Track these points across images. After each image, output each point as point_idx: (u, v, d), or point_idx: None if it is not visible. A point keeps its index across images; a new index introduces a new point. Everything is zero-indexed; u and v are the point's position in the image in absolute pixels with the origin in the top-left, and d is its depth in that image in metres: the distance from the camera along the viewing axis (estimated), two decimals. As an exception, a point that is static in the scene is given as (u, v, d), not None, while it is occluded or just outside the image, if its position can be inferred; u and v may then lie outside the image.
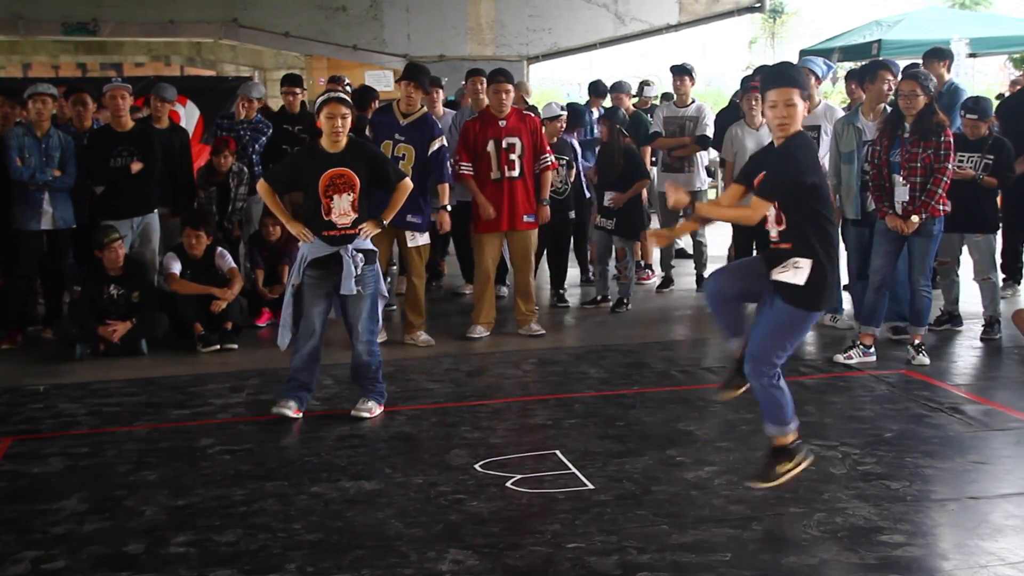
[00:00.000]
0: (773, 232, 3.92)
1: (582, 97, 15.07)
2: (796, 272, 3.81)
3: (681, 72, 8.33)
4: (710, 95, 9.75)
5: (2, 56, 17.74)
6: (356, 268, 5.03)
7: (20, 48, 17.14)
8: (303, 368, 5.21)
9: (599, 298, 7.91)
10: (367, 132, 6.81)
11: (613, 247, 7.78)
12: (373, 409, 5.20)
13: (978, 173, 6.49)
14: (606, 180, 7.63)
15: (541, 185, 6.97)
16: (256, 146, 8.18)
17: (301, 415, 5.18)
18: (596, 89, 9.93)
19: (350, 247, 5.05)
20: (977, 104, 6.67)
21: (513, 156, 6.77)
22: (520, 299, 7.08)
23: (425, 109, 6.72)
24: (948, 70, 7.69)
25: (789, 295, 3.84)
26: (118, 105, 6.96)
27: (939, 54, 7.69)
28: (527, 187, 6.87)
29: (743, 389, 4.11)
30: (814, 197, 3.81)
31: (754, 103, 7.62)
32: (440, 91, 8.28)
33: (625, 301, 7.77)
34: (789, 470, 3.91)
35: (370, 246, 5.18)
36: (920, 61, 7.76)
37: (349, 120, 5.06)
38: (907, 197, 5.86)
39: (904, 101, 5.84)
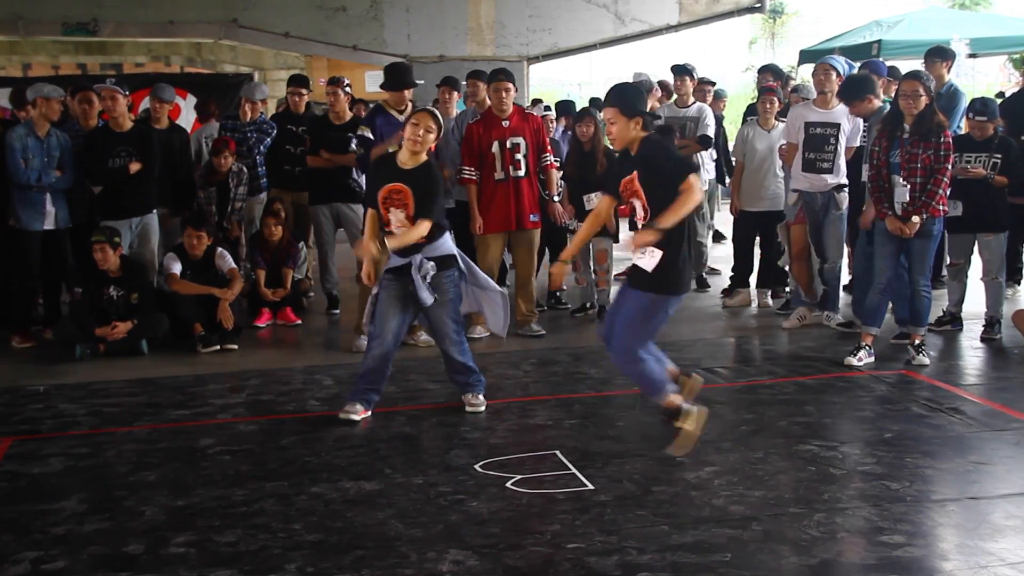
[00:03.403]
0: (640, 225, 4.45)
1: (582, 98, 15.04)
2: (650, 259, 4.33)
3: (682, 72, 8.31)
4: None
5: (2, 56, 17.71)
6: (426, 278, 4.98)
7: (20, 48, 17.11)
8: (374, 369, 5.14)
9: (588, 305, 7.79)
10: (366, 132, 6.82)
11: (591, 250, 7.59)
12: (482, 399, 5.27)
13: (988, 172, 6.49)
14: (588, 181, 7.32)
15: (548, 182, 6.98)
16: (261, 147, 8.17)
17: (368, 414, 5.17)
18: (565, 108, 9.87)
19: (419, 257, 4.98)
20: (986, 106, 6.68)
21: (518, 156, 6.77)
22: (521, 299, 7.08)
23: (410, 106, 6.69)
24: (949, 71, 7.68)
25: (640, 282, 4.41)
26: (109, 106, 6.96)
27: (942, 54, 7.67)
28: (532, 186, 6.88)
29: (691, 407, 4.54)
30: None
31: (768, 105, 7.60)
32: (455, 92, 8.29)
33: (606, 307, 7.68)
34: (688, 423, 4.43)
35: (447, 251, 5.12)
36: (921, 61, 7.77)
37: (432, 136, 4.99)
38: (907, 198, 5.86)
39: (905, 101, 5.83)
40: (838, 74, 6.90)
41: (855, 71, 7.25)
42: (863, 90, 6.53)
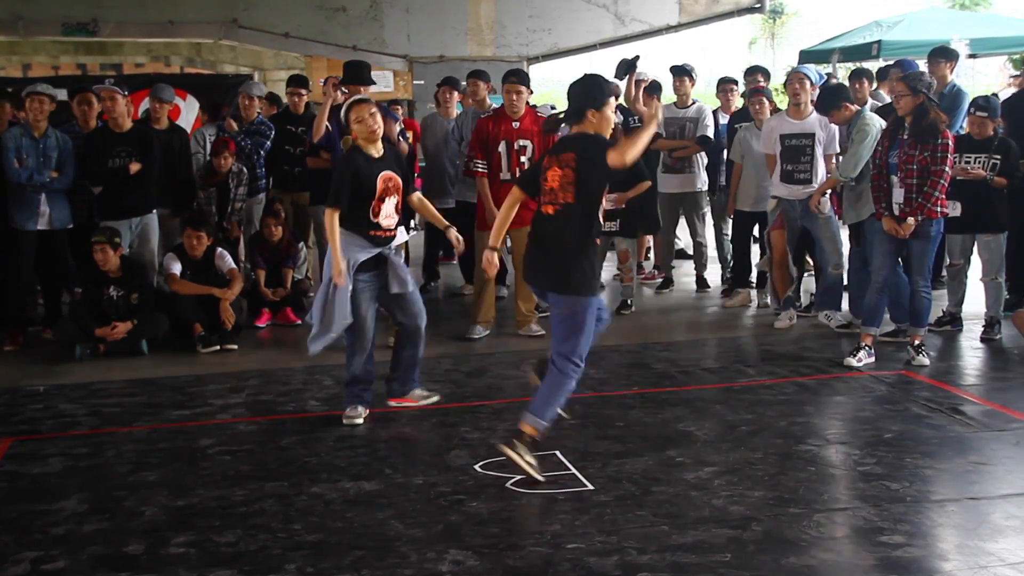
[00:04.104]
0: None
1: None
2: None
3: (681, 73, 8.31)
4: (711, 95, 9.85)
5: (2, 57, 17.74)
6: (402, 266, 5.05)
7: (20, 48, 17.14)
8: (362, 374, 5.14)
9: (628, 303, 7.78)
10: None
11: (615, 248, 7.73)
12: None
13: (988, 174, 6.49)
14: None
15: None
16: (261, 151, 8.13)
17: (368, 412, 5.17)
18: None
19: (392, 247, 5.06)
20: (988, 102, 6.69)
21: (524, 158, 6.77)
22: (520, 300, 7.07)
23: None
24: (952, 71, 7.67)
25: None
26: (108, 106, 6.95)
27: (946, 54, 7.66)
28: None
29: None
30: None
31: (759, 107, 7.60)
32: (455, 92, 8.27)
33: (629, 303, 7.75)
34: (522, 457, 4.19)
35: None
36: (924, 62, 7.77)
37: (380, 115, 5.01)
38: (902, 199, 5.86)
39: (894, 102, 5.89)
40: (812, 83, 6.93)
41: (824, 80, 7.23)
42: (838, 98, 6.60)
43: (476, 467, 4.43)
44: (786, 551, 3.54)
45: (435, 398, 5.37)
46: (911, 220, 5.81)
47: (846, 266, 7.07)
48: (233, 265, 7.19)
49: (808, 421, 5.07)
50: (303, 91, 8.40)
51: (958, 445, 4.66)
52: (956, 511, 3.92)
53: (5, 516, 4.00)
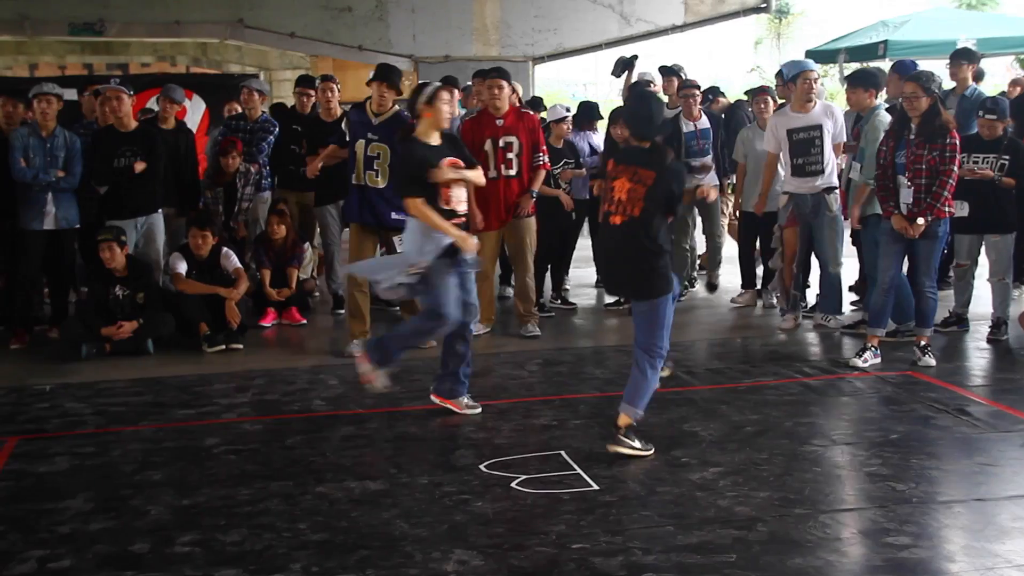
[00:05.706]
0: None
1: (584, 98, 15.01)
2: None
3: (669, 73, 8.32)
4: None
5: (8, 56, 17.76)
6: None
7: (26, 48, 17.16)
8: (458, 353, 5.20)
9: (622, 300, 7.80)
10: (343, 126, 6.79)
11: None
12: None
13: (996, 174, 6.47)
14: None
15: (533, 179, 6.89)
16: (264, 145, 8.14)
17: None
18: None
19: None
20: (996, 104, 6.66)
21: (510, 155, 6.73)
22: (519, 299, 7.08)
23: (397, 108, 6.64)
24: (972, 73, 7.64)
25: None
26: (114, 106, 6.96)
27: (968, 56, 7.62)
28: (523, 185, 6.84)
29: None
30: None
31: (763, 106, 7.60)
32: (454, 91, 8.26)
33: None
34: (629, 446, 4.52)
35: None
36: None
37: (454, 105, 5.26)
38: (911, 199, 5.85)
39: (906, 103, 5.84)
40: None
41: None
42: (868, 84, 6.59)
43: (481, 467, 4.43)
44: (791, 552, 3.54)
45: (477, 410, 5.26)
46: (921, 220, 5.79)
47: (843, 263, 7.06)
48: (239, 264, 7.19)
49: (814, 422, 5.06)
50: (311, 91, 8.40)
51: (964, 446, 4.65)
52: (962, 512, 3.91)
53: (11, 515, 4.01)
